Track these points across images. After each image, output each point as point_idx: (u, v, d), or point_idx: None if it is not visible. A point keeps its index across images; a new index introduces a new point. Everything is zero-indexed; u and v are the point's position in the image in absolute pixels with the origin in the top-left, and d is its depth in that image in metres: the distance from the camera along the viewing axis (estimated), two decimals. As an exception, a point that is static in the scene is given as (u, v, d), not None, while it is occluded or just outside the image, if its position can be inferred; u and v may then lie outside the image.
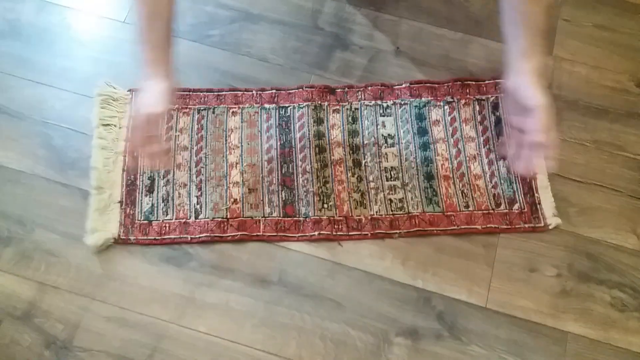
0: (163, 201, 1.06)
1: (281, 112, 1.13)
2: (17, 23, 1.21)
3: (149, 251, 1.03)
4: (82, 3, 1.23)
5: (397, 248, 1.03)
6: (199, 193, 1.06)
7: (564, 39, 1.21)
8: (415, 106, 1.13)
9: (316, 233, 1.03)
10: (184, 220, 1.04)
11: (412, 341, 0.97)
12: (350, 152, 1.10)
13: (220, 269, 1.02)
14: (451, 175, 1.08)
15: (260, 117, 1.13)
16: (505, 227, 1.04)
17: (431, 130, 1.11)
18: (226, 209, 1.05)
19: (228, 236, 1.03)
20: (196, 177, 1.08)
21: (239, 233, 1.03)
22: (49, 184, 1.07)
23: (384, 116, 1.13)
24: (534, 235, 1.04)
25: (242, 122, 1.12)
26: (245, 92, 1.14)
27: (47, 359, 0.96)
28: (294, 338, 0.98)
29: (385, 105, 1.13)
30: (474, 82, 1.15)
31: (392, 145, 1.10)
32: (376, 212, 1.05)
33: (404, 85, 1.15)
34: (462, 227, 1.04)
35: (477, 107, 1.13)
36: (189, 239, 1.03)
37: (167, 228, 1.04)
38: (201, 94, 1.14)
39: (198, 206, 1.05)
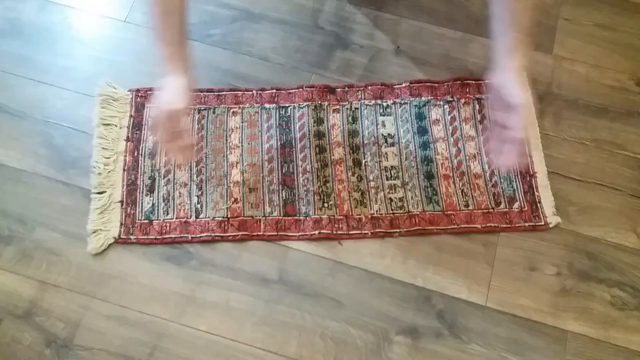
0: (164, 201, 1.06)
1: (281, 112, 1.13)
2: (18, 22, 1.21)
3: (149, 250, 1.03)
4: (83, 2, 1.24)
5: (397, 247, 1.03)
6: (200, 192, 1.07)
7: (564, 38, 1.21)
8: (415, 105, 1.13)
9: (316, 232, 1.03)
10: (184, 219, 1.05)
11: (412, 340, 0.98)
12: (351, 151, 1.10)
13: (220, 267, 1.02)
14: (451, 174, 1.08)
15: (260, 117, 1.13)
16: (505, 225, 1.04)
17: (431, 130, 1.11)
18: (227, 208, 1.05)
19: (229, 236, 1.03)
20: (197, 177, 1.08)
21: (240, 233, 1.03)
22: (50, 183, 1.07)
23: (384, 115, 1.13)
24: (534, 234, 1.04)
25: (242, 122, 1.12)
26: (245, 92, 1.15)
27: (48, 357, 0.96)
28: (295, 337, 0.98)
29: (385, 104, 1.14)
30: (474, 81, 1.15)
31: (392, 144, 1.10)
32: (376, 211, 1.05)
33: (404, 85, 1.15)
34: (462, 226, 1.04)
35: (477, 106, 1.13)
36: (190, 238, 1.03)
37: (168, 227, 1.04)
38: (201, 94, 1.14)
39: (199, 205, 1.06)
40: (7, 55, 1.18)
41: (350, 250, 1.03)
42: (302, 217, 1.05)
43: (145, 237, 1.03)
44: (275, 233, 1.04)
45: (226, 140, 1.11)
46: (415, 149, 1.10)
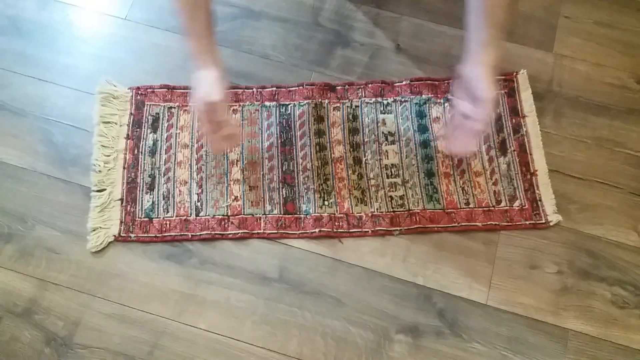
0: (164, 198, 1.06)
1: (282, 110, 1.13)
2: (18, 20, 1.21)
3: (149, 248, 1.03)
4: (83, 0, 1.23)
5: (398, 245, 1.03)
6: (200, 190, 1.06)
7: (565, 36, 1.20)
8: (416, 103, 1.13)
9: (317, 230, 1.03)
10: (184, 217, 1.04)
11: (413, 338, 0.97)
12: (351, 149, 1.09)
13: (220, 266, 1.02)
14: (452, 173, 1.08)
15: (260, 115, 1.13)
16: (505, 224, 1.04)
17: (432, 127, 1.11)
18: (227, 206, 1.05)
19: (229, 234, 1.03)
20: (197, 175, 1.08)
21: (240, 231, 1.03)
22: (50, 181, 1.07)
23: (384, 113, 1.13)
24: (534, 232, 1.04)
25: (242, 119, 1.12)
26: (245, 90, 1.14)
27: (48, 356, 0.96)
28: (295, 335, 0.98)
29: (385, 102, 1.13)
30: (474, 80, 1.15)
31: (393, 142, 1.10)
32: (377, 209, 1.05)
33: (404, 83, 1.15)
34: (463, 224, 1.04)
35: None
36: (190, 236, 1.03)
37: (168, 225, 1.04)
38: (202, 91, 1.14)
39: (199, 203, 1.05)
40: (8, 53, 1.18)
41: (351, 248, 1.03)
42: (302, 215, 1.04)
43: (145, 235, 1.03)
44: (276, 231, 1.04)
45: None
46: (415, 147, 1.10)
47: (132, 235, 1.03)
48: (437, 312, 0.99)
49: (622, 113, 1.14)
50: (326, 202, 1.05)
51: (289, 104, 1.13)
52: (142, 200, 1.06)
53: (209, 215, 1.05)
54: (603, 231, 1.04)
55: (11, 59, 1.17)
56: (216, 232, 1.03)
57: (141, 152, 1.09)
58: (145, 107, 1.12)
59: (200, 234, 1.03)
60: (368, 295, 1.00)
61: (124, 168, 1.08)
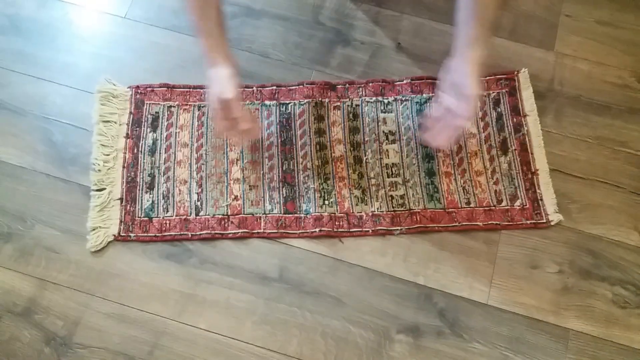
0: (163, 198, 1.05)
1: (282, 109, 1.12)
2: (18, 18, 1.20)
3: (149, 248, 1.03)
4: (82, -1, 1.23)
5: (398, 245, 1.03)
6: (200, 190, 1.06)
7: (566, 35, 1.20)
8: (417, 102, 1.13)
9: (317, 230, 1.03)
10: (184, 217, 1.04)
11: (413, 338, 0.97)
12: (351, 148, 1.09)
13: (220, 265, 1.02)
14: (452, 172, 1.07)
15: (261, 114, 1.12)
16: (506, 223, 1.04)
17: (432, 127, 1.11)
18: (227, 205, 1.05)
19: (229, 233, 1.03)
20: (197, 174, 1.07)
21: (240, 230, 1.03)
22: (49, 180, 1.07)
23: (385, 112, 1.12)
24: (535, 231, 1.04)
25: (242, 118, 1.12)
26: (245, 89, 1.14)
27: (47, 355, 0.96)
28: (295, 335, 0.97)
29: (386, 101, 1.13)
30: (475, 78, 1.15)
31: (393, 141, 1.10)
32: (377, 208, 1.05)
33: (405, 81, 1.14)
34: (464, 223, 1.03)
35: (478, 104, 1.13)
36: (190, 236, 1.03)
37: (168, 225, 1.04)
38: (201, 90, 1.13)
39: (199, 203, 1.05)
40: (7, 51, 1.17)
41: (351, 248, 1.03)
42: (302, 215, 1.04)
43: (145, 234, 1.03)
44: (276, 230, 1.03)
45: (226, 137, 1.10)
46: (416, 146, 1.09)
47: (132, 234, 1.03)
48: (438, 311, 0.99)
49: (624, 112, 1.13)
50: (326, 202, 1.05)
51: (289, 103, 1.13)
52: (141, 200, 1.05)
53: (208, 215, 1.04)
54: (604, 231, 1.04)
55: (10, 58, 1.17)
56: (216, 231, 1.03)
57: (141, 151, 1.09)
58: (145, 106, 1.12)
59: (200, 234, 1.03)
60: (368, 295, 1.00)
61: (124, 167, 1.07)
